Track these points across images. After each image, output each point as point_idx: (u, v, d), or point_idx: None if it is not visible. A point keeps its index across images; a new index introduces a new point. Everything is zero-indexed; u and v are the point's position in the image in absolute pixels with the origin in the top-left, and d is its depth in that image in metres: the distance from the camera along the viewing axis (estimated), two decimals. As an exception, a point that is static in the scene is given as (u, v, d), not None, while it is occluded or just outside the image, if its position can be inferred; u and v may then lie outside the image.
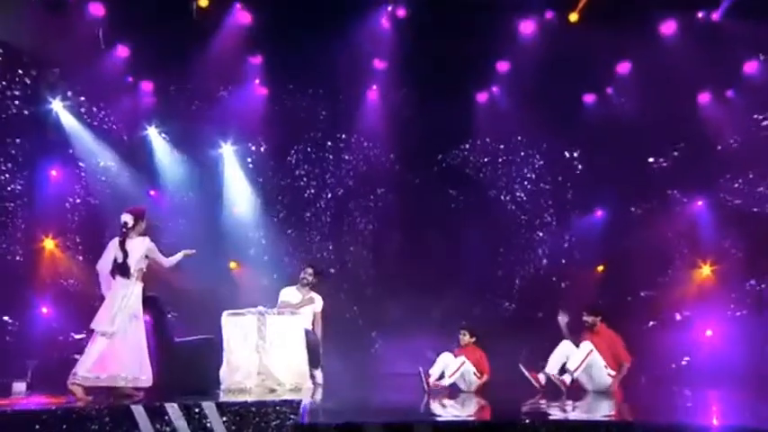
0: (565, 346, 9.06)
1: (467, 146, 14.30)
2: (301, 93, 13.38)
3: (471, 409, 7.60)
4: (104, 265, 8.24)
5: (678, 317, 12.89)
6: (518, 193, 14.41)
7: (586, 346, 8.92)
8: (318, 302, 10.21)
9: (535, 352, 11.39)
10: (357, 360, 13.02)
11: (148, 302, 8.58)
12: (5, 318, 11.08)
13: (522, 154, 14.35)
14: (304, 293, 10.14)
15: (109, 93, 12.20)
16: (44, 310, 11.51)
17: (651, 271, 13.15)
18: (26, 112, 11.50)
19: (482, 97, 13.91)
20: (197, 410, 7.00)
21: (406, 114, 13.59)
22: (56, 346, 11.45)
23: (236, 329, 8.98)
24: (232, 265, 13.48)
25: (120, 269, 8.09)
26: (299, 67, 12.62)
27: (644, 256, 12.94)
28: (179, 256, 8.61)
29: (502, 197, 14.39)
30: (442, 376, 9.68)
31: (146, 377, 8.12)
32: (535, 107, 13.30)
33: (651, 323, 13.00)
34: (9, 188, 11.37)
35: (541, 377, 8.99)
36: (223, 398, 8.24)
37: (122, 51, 12.08)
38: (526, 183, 14.41)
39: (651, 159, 13.46)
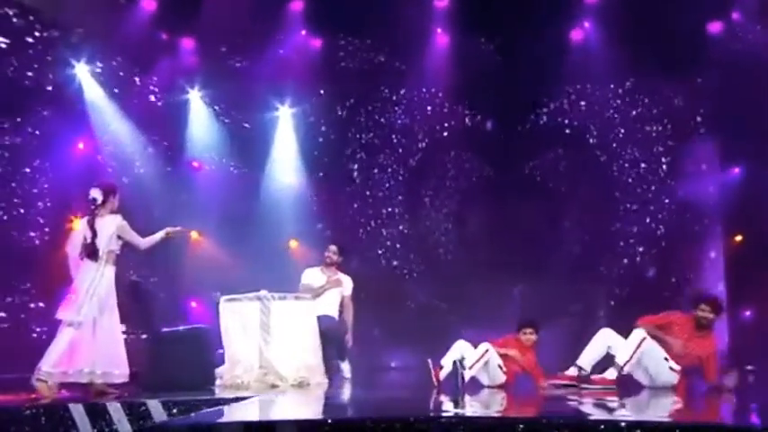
0: (606, 335, 8.27)
1: (563, 97, 13.57)
2: (356, 42, 13.10)
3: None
4: (73, 247, 8.20)
5: None
6: (628, 152, 13.51)
7: (638, 333, 8.11)
8: (347, 284, 9.96)
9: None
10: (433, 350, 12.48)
11: (131, 288, 8.48)
12: (32, 305, 11.22)
13: (632, 102, 13.35)
14: (329, 275, 9.74)
15: (140, 53, 12.28)
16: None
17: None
18: (49, 77, 11.52)
19: (577, 35, 12.90)
20: (141, 409, 6.91)
21: (483, 62, 12.80)
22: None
23: (235, 317, 8.81)
24: (292, 244, 13.27)
25: (88, 250, 8.09)
26: (347, 11, 12.11)
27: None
28: (159, 235, 8.50)
29: (609, 157, 13.52)
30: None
31: (119, 372, 8.14)
32: (643, 43, 12.46)
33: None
34: (34, 163, 11.44)
35: (572, 371, 8.25)
36: (218, 394, 8.08)
37: (148, 4, 11.93)
38: (639, 137, 13.39)
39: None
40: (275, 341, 8.79)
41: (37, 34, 11.70)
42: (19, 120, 11.47)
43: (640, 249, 13.49)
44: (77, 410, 6.99)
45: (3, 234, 11.02)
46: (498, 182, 13.39)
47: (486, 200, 13.46)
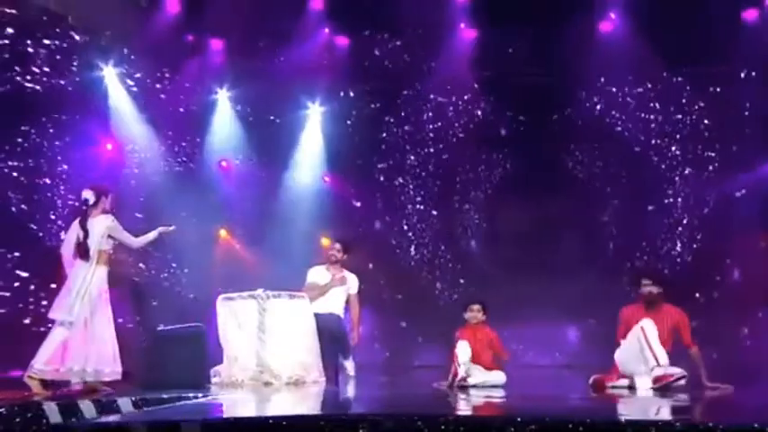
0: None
1: (593, 90, 13.22)
2: (381, 40, 12.99)
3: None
4: (66, 247, 8.34)
5: None
6: (663, 145, 13.01)
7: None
8: (353, 282, 9.90)
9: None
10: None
11: (128, 288, 8.59)
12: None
13: (665, 94, 13.03)
14: (333, 273, 9.71)
15: (167, 54, 12.39)
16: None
17: None
18: (77, 80, 11.74)
19: (606, 26, 12.58)
20: (113, 406, 6.98)
21: (510, 56, 12.62)
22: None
23: (232, 316, 8.83)
24: (324, 241, 13.28)
25: (80, 250, 8.20)
26: (367, 8, 12.11)
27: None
28: (152, 234, 8.57)
29: (643, 150, 13.14)
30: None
31: (110, 370, 8.23)
32: (675, 33, 12.13)
33: None
34: (63, 163, 11.69)
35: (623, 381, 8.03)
36: (214, 392, 8.14)
37: (172, 7, 12.08)
38: (675, 130, 12.96)
39: None
40: (270, 339, 8.80)
41: (66, 39, 11.85)
42: (48, 121, 11.66)
43: (678, 246, 13.02)
44: (50, 408, 7.01)
45: (31, 234, 11.23)
46: (529, 178, 13.14)
47: (516, 196, 13.25)
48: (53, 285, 10.52)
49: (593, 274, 12.76)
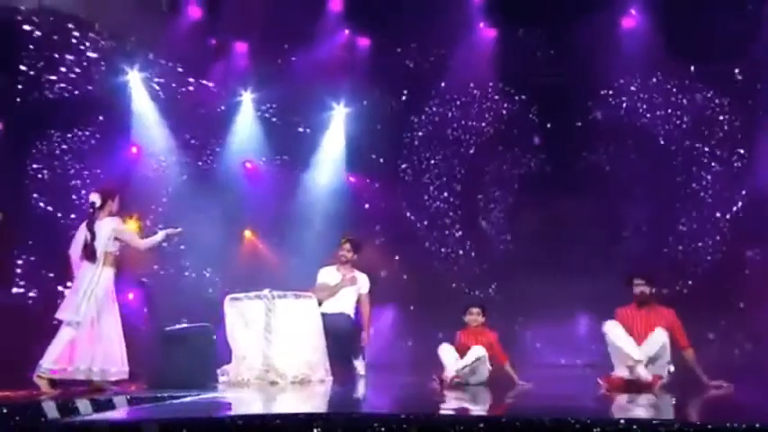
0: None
1: (617, 86, 13.10)
2: (402, 40, 13.04)
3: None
4: (75, 249, 8.50)
5: None
6: (690, 142, 12.83)
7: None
8: (364, 282, 9.96)
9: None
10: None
11: (138, 288, 8.73)
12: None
13: (690, 90, 12.85)
14: (344, 273, 9.77)
15: (191, 58, 12.55)
16: (130, 296, 12.04)
17: None
18: (103, 85, 11.97)
19: (628, 23, 12.40)
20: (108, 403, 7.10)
21: (533, 54, 12.61)
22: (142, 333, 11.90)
23: (239, 316, 8.93)
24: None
25: (87, 252, 8.35)
26: (386, 10, 12.17)
27: None
28: (160, 236, 8.69)
29: (669, 147, 12.90)
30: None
31: (116, 369, 8.37)
32: (700, 29, 11.95)
33: None
34: (87, 170, 11.94)
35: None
36: (221, 392, 8.24)
37: (194, 12, 12.24)
38: (700, 129, 12.81)
39: None
40: (276, 339, 8.88)
41: (93, 45, 12.11)
42: (75, 126, 11.97)
43: (710, 243, 12.81)
44: (48, 406, 7.16)
45: (57, 235, 11.46)
46: (553, 176, 13.09)
47: (540, 195, 13.17)
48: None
49: (617, 272, 12.52)
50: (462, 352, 8.75)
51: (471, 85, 13.32)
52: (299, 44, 12.87)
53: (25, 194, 11.56)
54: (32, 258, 11.22)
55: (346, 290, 9.87)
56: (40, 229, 11.24)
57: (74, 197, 11.63)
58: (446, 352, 8.61)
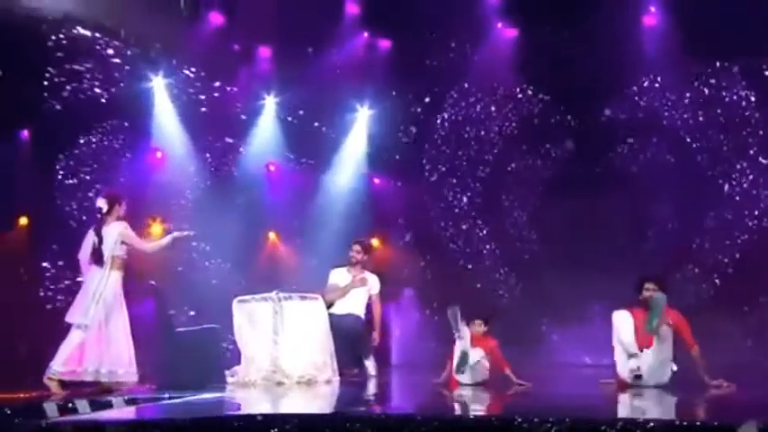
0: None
1: (641, 84, 12.96)
2: (422, 39, 12.89)
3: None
4: (84, 253, 8.67)
5: None
6: (717, 139, 12.72)
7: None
8: (374, 283, 10.06)
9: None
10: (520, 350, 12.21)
11: (150, 291, 8.88)
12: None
13: (717, 87, 12.64)
14: (354, 274, 9.83)
15: (214, 63, 12.68)
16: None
17: None
18: (127, 94, 12.19)
19: (650, 20, 12.25)
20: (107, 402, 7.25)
21: (555, 51, 12.54)
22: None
23: (246, 318, 9.05)
24: (373, 242, 13.38)
25: (95, 256, 8.52)
26: (404, 11, 12.18)
27: None
28: (166, 240, 8.85)
29: (695, 144, 12.70)
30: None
31: (123, 371, 8.52)
32: (725, 22, 11.60)
33: None
34: (115, 171, 12.19)
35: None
36: (229, 392, 8.35)
37: (216, 18, 12.40)
38: (728, 126, 12.64)
39: None
40: (283, 340, 8.95)
41: (118, 52, 12.33)
42: (101, 132, 12.23)
43: (738, 241, 12.61)
44: (50, 407, 7.32)
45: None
46: (578, 174, 12.90)
47: (565, 193, 13.00)
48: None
49: (643, 272, 12.37)
50: None
51: (494, 84, 13.25)
52: (320, 47, 12.96)
53: (51, 199, 11.77)
54: (59, 263, 11.39)
55: (357, 291, 9.97)
56: (66, 233, 11.41)
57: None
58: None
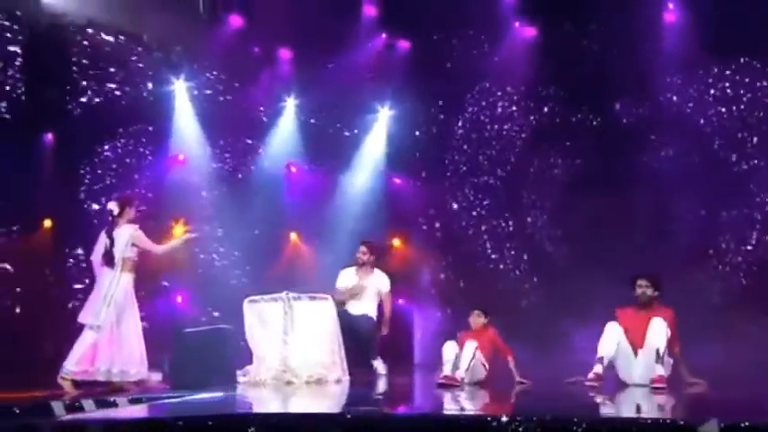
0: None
1: (664, 82, 12.77)
2: (441, 40, 12.99)
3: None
4: (96, 256, 8.86)
5: None
6: (742, 137, 12.64)
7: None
8: (383, 282, 10.28)
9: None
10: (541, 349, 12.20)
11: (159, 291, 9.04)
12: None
13: (741, 84, 12.50)
14: (363, 274, 9.90)
15: (235, 66, 12.85)
16: (179, 299, 12.41)
17: None
18: (150, 97, 12.43)
19: (670, 17, 12.18)
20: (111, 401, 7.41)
21: (575, 51, 12.49)
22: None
23: (257, 318, 9.18)
24: (395, 242, 13.49)
25: (106, 258, 8.70)
26: (422, 11, 12.21)
27: None
28: (176, 241, 9.03)
29: (718, 142, 12.70)
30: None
31: (134, 371, 8.69)
32: (752, 19, 11.67)
33: None
34: (139, 173, 12.40)
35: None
36: (240, 392, 8.48)
37: (236, 21, 12.55)
38: (755, 124, 12.60)
39: None
40: (293, 340, 9.06)
41: (141, 56, 12.55)
42: (124, 135, 12.44)
43: (765, 239, 12.43)
44: (57, 406, 7.49)
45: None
46: (599, 173, 12.83)
47: (586, 192, 12.89)
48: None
49: (666, 271, 12.27)
50: None
51: (513, 83, 13.23)
52: (339, 49, 13.02)
53: (77, 200, 11.98)
54: (83, 264, 11.57)
55: (368, 291, 9.96)
56: (91, 234, 11.57)
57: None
58: (448, 350, 8.62)
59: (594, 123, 13.16)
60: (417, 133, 13.70)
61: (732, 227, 12.66)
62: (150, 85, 12.58)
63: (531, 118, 13.36)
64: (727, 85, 12.60)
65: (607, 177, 12.86)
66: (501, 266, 13.50)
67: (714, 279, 12.59)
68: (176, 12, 12.57)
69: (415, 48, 13.43)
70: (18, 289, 11.42)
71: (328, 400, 8.32)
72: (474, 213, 13.60)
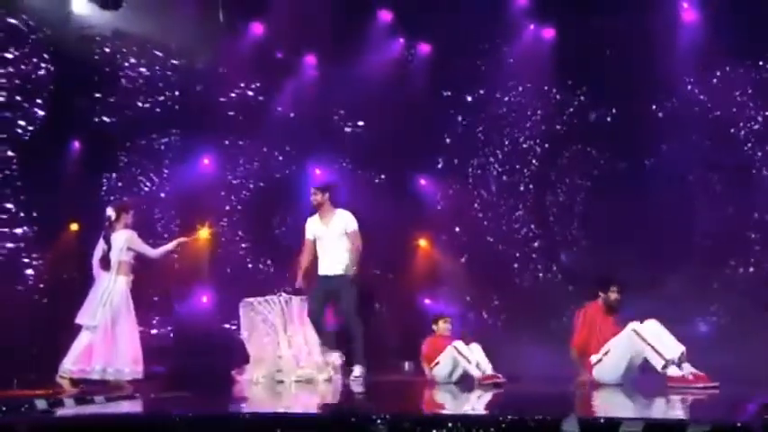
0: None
1: (686, 79, 12.59)
2: (465, 43, 12.95)
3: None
4: (95, 259, 9.16)
5: None
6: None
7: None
8: (349, 221, 9.74)
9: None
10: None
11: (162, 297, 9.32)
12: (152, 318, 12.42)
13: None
14: (325, 218, 9.75)
15: (260, 71, 13.04)
16: (204, 299, 12.73)
17: None
18: (176, 105, 12.73)
19: (689, 15, 12.01)
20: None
21: (596, 48, 12.47)
22: (217, 334, 12.51)
23: (252, 319, 9.35)
24: (421, 243, 13.56)
25: (103, 262, 8.98)
26: (441, 14, 12.50)
27: None
28: (171, 245, 9.26)
29: (742, 140, 12.48)
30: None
31: (129, 370, 8.94)
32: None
33: None
34: (165, 178, 12.79)
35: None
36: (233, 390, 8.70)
37: (257, 29, 12.81)
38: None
39: None
40: (285, 340, 9.18)
41: (167, 63, 12.90)
42: (151, 141, 12.83)
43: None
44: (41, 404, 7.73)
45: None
46: (623, 172, 12.72)
47: (610, 191, 12.74)
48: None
49: (691, 274, 12.15)
50: (430, 360, 9.10)
51: (536, 83, 13.15)
52: (358, 52, 13.08)
53: (101, 206, 12.29)
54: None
55: (335, 240, 9.68)
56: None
57: (144, 207, 12.27)
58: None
59: (617, 123, 12.96)
60: (442, 135, 13.64)
61: (757, 226, 12.35)
62: (174, 93, 12.78)
63: (555, 117, 13.23)
64: (753, 82, 12.25)
65: (631, 176, 12.70)
66: (525, 265, 13.40)
67: (741, 279, 12.27)
68: (199, 21, 12.82)
69: (436, 51, 13.42)
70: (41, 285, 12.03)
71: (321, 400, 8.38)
72: (498, 213, 13.49)
